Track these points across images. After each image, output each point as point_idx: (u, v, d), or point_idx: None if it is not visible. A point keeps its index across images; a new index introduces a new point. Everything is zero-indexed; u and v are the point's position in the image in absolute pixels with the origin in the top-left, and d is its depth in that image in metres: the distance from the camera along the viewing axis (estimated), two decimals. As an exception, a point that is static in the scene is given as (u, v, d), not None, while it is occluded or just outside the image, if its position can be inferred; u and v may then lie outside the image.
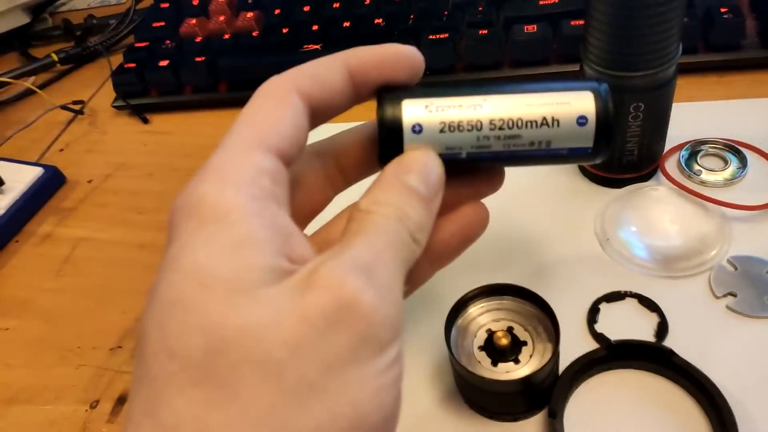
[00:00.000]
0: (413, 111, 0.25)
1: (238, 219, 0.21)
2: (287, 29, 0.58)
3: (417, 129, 0.25)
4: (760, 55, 0.48)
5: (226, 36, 0.59)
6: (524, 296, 0.33)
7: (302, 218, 0.28)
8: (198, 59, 0.57)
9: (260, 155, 0.23)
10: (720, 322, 0.35)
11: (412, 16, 0.56)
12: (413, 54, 0.26)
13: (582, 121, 0.26)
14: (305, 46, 0.56)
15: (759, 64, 0.49)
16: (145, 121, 0.60)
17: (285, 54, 0.56)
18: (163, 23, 0.64)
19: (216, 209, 0.21)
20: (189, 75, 0.58)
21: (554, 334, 0.31)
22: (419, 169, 0.24)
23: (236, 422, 0.18)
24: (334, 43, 0.56)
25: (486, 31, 0.52)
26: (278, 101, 0.24)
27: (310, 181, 0.29)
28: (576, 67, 0.40)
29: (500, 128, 0.26)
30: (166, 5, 0.66)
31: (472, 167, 0.28)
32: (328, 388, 0.19)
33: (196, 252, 0.20)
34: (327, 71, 0.25)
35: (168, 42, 0.61)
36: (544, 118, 0.25)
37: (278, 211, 0.22)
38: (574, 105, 0.25)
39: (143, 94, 0.60)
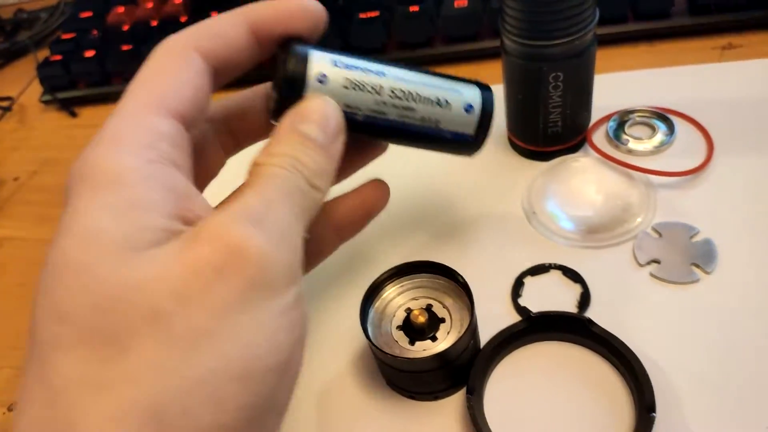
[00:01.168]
0: (320, 61, 0.25)
1: (132, 182, 0.20)
2: (215, 12, 0.56)
3: (322, 79, 0.25)
4: (689, 22, 0.48)
5: (154, 23, 0.58)
6: (440, 272, 0.32)
7: (198, 183, 0.28)
8: (125, 48, 0.56)
9: (158, 119, 0.22)
10: (643, 289, 0.34)
11: (342, -4, 0.55)
12: (315, 6, 0.26)
13: (469, 108, 0.29)
14: (234, 31, 0.54)
15: (688, 32, 0.48)
16: (73, 114, 0.58)
17: (213, 39, 0.54)
18: (90, 13, 0.62)
19: (109, 173, 0.20)
20: (116, 64, 0.56)
21: (470, 307, 0.30)
22: (317, 117, 0.24)
23: (128, 376, 0.18)
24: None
25: (417, 8, 0.51)
26: (177, 61, 0.23)
27: (203, 145, 0.28)
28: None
29: (398, 97, 0.27)
30: (95, -5, 0.64)
31: (362, 135, 0.28)
32: (219, 333, 0.19)
33: (87, 216, 0.20)
34: (228, 27, 0.25)
35: (95, 32, 0.59)
36: (438, 98, 0.28)
37: (176, 173, 0.22)
38: (463, 94, 0.29)
39: (71, 86, 0.58)
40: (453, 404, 0.32)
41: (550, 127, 0.39)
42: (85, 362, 0.18)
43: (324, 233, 0.29)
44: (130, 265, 0.19)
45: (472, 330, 0.30)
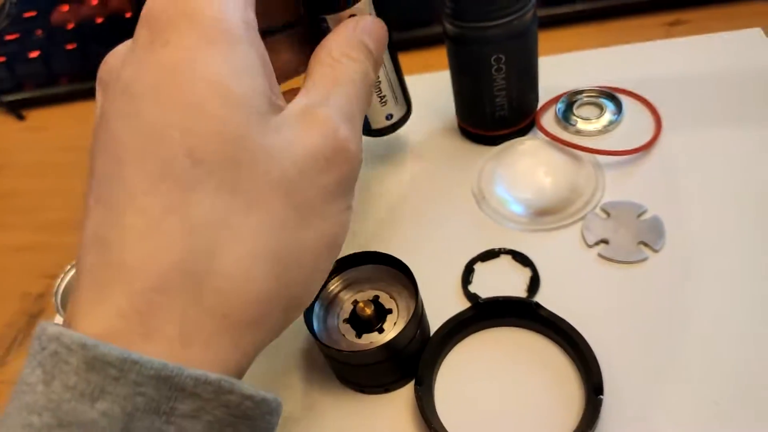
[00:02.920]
0: None
1: (241, 43, 0.21)
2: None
3: None
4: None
5: (99, 20, 0.56)
6: (384, 261, 0.32)
7: None
8: (69, 47, 0.54)
9: None
10: (591, 270, 0.34)
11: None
12: None
13: (388, 117, 0.36)
14: (180, 25, 0.53)
15: (635, 9, 0.48)
16: (21, 117, 0.57)
17: (159, 35, 0.53)
18: (34, 13, 0.60)
19: (218, 26, 0.21)
20: (61, 64, 0.55)
21: (414, 295, 0.30)
22: (375, 35, 0.27)
23: (256, 228, 0.20)
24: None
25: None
26: None
27: None
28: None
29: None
30: (39, -7, 0.62)
31: None
32: (323, 212, 0.22)
33: (211, 65, 0.20)
34: None
35: (39, 32, 0.57)
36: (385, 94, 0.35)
37: (262, 43, 0.23)
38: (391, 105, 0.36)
39: (17, 89, 0.57)
40: (404, 396, 0.31)
41: (497, 110, 0.39)
42: (222, 207, 0.20)
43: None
44: (260, 128, 0.21)
45: (417, 318, 0.30)
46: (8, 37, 0.59)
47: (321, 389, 0.32)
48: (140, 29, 0.22)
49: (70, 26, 0.57)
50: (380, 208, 0.40)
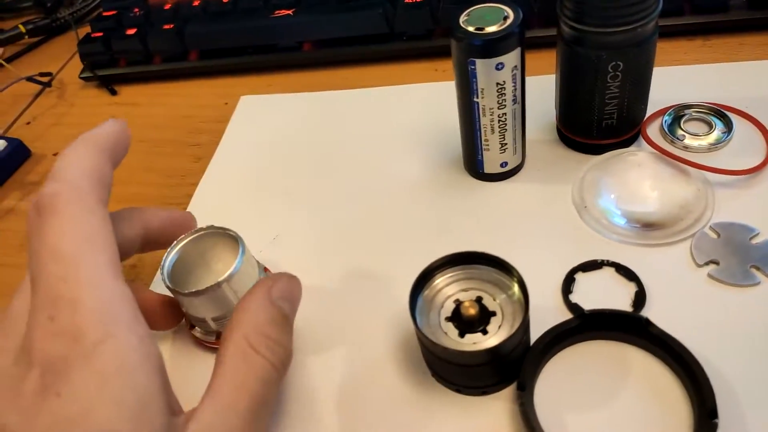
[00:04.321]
0: None
1: (134, 368, 0.22)
2: (258, -7, 0.56)
3: None
4: (747, 16, 0.46)
5: (196, 3, 0.57)
6: (494, 264, 0.31)
7: None
8: (166, 27, 0.55)
9: (122, 286, 0.23)
10: (701, 290, 0.33)
11: (388, -19, 0.54)
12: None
13: None
14: (277, 12, 0.54)
15: (745, 27, 0.47)
16: (114, 92, 0.58)
17: (256, 20, 0.54)
18: (132, -9, 0.61)
19: (113, 361, 0.21)
20: (157, 43, 0.55)
21: (524, 303, 0.29)
22: (291, 296, 0.29)
23: None
24: (307, 8, 0.54)
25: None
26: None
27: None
28: (553, 31, 0.38)
29: None
30: (136, -27, 0.63)
31: None
32: None
33: (105, 417, 0.20)
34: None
35: (136, 10, 0.59)
36: None
37: (159, 353, 0.23)
38: None
39: (111, 64, 0.58)
40: (502, 400, 0.31)
41: (605, 119, 0.38)
42: None
43: (133, 239, 0.31)
44: None
45: (525, 326, 0.29)
46: (106, 13, 0.60)
47: (415, 385, 0.32)
48: (30, 371, 0.21)
49: (168, 6, 0.58)
50: (479, 211, 0.39)
